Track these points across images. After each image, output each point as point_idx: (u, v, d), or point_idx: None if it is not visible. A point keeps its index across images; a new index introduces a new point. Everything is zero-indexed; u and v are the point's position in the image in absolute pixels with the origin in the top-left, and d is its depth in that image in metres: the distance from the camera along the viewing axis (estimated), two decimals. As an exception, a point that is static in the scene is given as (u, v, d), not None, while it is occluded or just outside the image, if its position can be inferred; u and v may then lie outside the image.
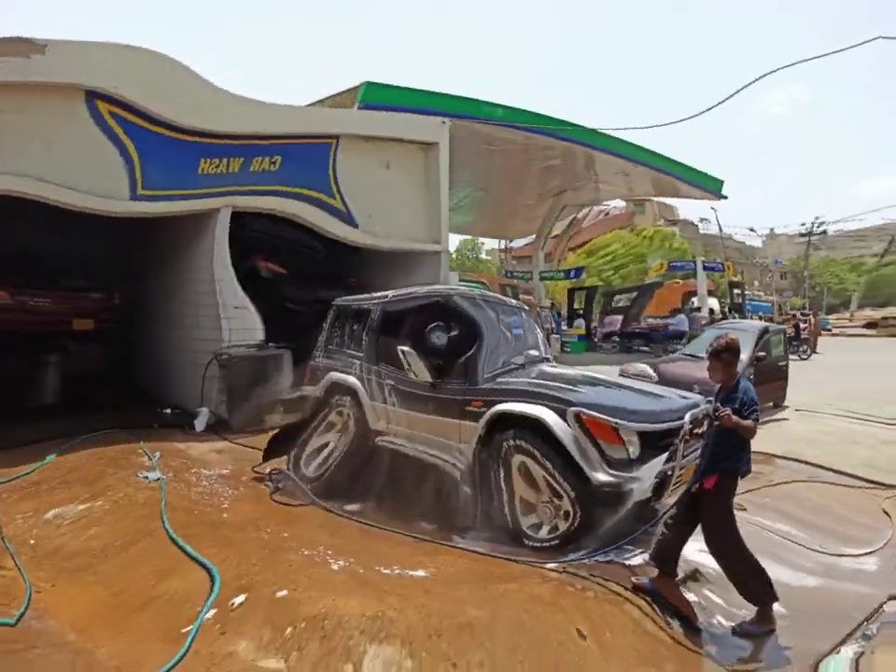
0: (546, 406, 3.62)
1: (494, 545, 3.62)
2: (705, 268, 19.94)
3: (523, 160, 14.89)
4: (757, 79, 7.73)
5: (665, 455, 3.30)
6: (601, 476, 3.35)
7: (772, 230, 51.25)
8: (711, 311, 17.46)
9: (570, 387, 3.86)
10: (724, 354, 2.93)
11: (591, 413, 3.48)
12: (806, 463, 5.74)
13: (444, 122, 9.06)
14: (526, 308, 5.34)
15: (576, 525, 3.43)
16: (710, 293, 19.79)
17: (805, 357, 15.58)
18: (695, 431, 3.17)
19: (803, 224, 43.16)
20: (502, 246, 28.60)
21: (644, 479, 3.29)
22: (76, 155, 6.26)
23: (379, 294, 4.95)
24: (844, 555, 3.78)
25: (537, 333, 5.04)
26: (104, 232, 7.52)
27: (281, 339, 7.46)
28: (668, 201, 33.14)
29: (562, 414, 3.54)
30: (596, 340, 18.11)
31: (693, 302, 18.17)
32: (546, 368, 4.55)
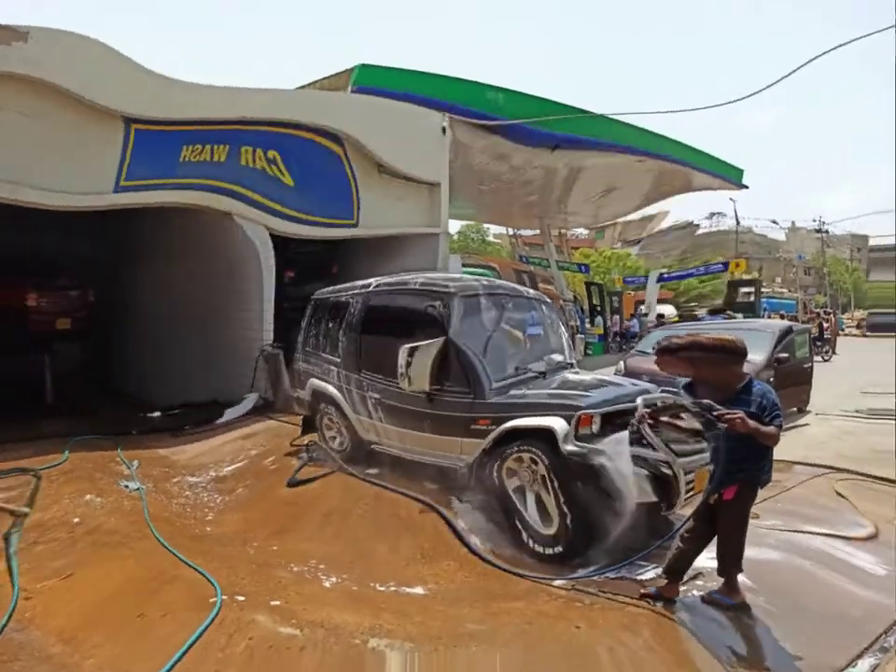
0: (557, 415, 3.63)
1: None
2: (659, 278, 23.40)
3: (506, 199, 15.47)
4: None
5: (625, 432, 3.54)
6: (569, 447, 3.65)
7: (793, 222, 48.51)
8: (660, 315, 20.06)
9: (583, 393, 3.88)
10: (695, 352, 2.73)
11: (589, 412, 3.72)
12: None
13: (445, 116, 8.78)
14: (548, 300, 4.65)
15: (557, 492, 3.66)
16: (665, 301, 23.98)
17: (827, 358, 15.67)
18: (660, 418, 3.18)
19: (814, 220, 43.65)
20: (510, 232, 27.93)
21: (610, 453, 3.50)
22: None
23: (360, 283, 4.35)
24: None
25: (561, 333, 4.45)
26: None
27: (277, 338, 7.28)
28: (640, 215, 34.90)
29: (569, 419, 3.65)
30: (609, 340, 18.83)
31: (641, 309, 21.45)
32: (569, 376, 4.08)
